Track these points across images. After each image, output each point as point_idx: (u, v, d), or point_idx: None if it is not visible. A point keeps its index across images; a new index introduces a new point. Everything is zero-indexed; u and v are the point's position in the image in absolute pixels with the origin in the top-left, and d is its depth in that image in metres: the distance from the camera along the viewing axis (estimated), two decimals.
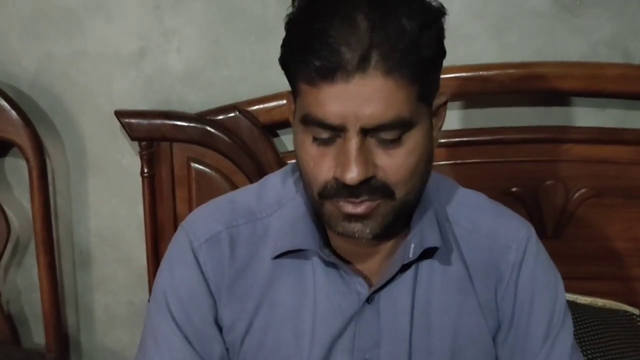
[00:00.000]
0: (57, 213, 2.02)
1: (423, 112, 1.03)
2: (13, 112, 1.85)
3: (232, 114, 1.83)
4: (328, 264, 1.13)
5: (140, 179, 1.89)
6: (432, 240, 1.14)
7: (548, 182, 1.84)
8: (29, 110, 1.90)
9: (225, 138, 1.82)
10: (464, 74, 1.76)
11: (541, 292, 1.19)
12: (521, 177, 1.84)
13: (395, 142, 1.00)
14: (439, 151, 1.77)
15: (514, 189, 1.85)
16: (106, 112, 1.89)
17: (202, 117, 1.84)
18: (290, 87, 1.07)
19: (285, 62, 1.04)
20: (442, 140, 1.82)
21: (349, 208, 1.03)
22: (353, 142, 0.99)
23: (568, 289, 1.72)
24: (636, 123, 1.85)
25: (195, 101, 1.89)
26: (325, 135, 1.01)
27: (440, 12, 1.02)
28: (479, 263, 1.19)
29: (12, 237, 2.02)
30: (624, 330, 1.72)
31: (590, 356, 1.60)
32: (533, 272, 1.19)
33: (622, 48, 1.80)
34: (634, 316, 1.77)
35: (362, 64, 0.95)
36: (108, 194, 1.99)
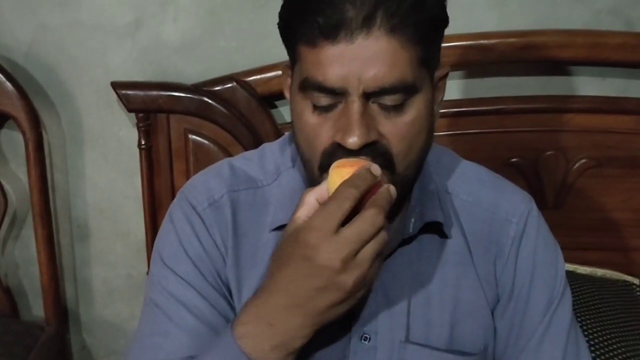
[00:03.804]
0: (54, 186, 2.01)
1: (425, 79, 1.01)
2: (8, 84, 1.83)
3: (229, 85, 1.81)
4: None
5: (137, 151, 1.87)
6: (433, 214, 1.13)
7: (548, 153, 1.83)
8: (24, 83, 1.88)
9: (223, 109, 1.80)
10: (464, 43, 1.75)
11: (541, 267, 1.18)
12: (521, 148, 1.83)
13: (398, 108, 0.99)
14: (438, 121, 1.77)
15: (514, 160, 1.84)
16: (102, 84, 1.88)
17: (199, 88, 1.83)
18: (289, 55, 1.04)
19: (285, 23, 1.02)
20: (442, 111, 1.77)
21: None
22: (355, 106, 0.97)
23: (568, 260, 1.72)
24: (637, 92, 1.84)
25: (192, 72, 1.87)
26: (325, 101, 0.99)
27: None
28: (479, 236, 1.18)
29: (10, 211, 2.01)
30: (624, 299, 1.73)
31: (589, 326, 1.60)
32: (534, 246, 1.18)
33: (624, 16, 1.79)
34: (634, 286, 1.77)
35: (367, 23, 0.94)
36: (105, 166, 1.98)
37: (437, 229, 1.15)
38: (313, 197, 0.98)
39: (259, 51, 1.84)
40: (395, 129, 1.00)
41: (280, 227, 1.13)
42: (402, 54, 0.96)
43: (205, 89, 1.83)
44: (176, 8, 1.84)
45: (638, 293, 1.77)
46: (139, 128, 1.86)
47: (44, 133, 1.92)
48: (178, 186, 1.89)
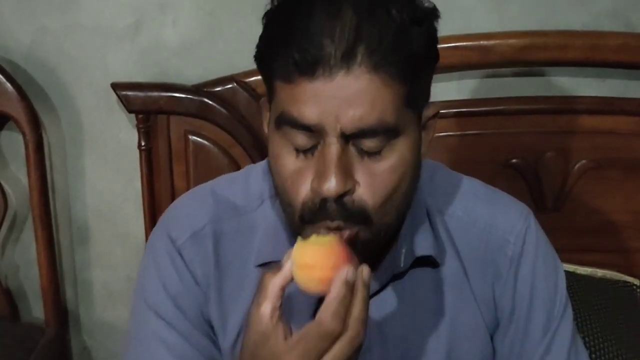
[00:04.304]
0: (54, 188, 2.01)
1: (410, 120, 0.95)
2: (8, 85, 1.83)
3: (229, 86, 1.81)
4: None
5: (137, 152, 1.87)
6: (425, 245, 1.08)
7: (548, 154, 1.83)
8: (24, 84, 1.88)
9: (223, 110, 1.80)
10: (464, 44, 1.74)
11: (541, 285, 1.14)
12: (521, 149, 1.83)
13: (377, 154, 0.93)
14: (439, 122, 1.76)
15: (513, 161, 1.83)
16: (102, 86, 1.87)
17: (199, 89, 1.83)
18: (267, 89, 0.98)
19: (262, 57, 0.95)
20: (441, 112, 1.78)
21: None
22: (333, 149, 0.90)
23: (567, 262, 1.74)
24: (637, 93, 1.84)
25: (192, 74, 1.87)
26: (302, 140, 0.93)
27: (434, 13, 0.95)
28: (475, 258, 1.13)
29: (10, 213, 2.01)
30: (624, 300, 1.72)
31: (589, 326, 1.60)
32: (532, 266, 1.13)
33: (624, 18, 1.79)
34: (634, 286, 1.77)
35: (347, 59, 0.87)
36: (105, 168, 1.98)
37: (429, 261, 1.10)
38: (278, 285, 0.90)
39: None
40: (372, 178, 0.94)
41: (265, 264, 1.08)
42: (384, 93, 0.89)
43: (205, 90, 1.83)
44: (176, 10, 1.84)
45: (638, 294, 1.76)
46: (139, 129, 1.85)
47: (44, 134, 1.92)
48: (178, 187, 1.89)
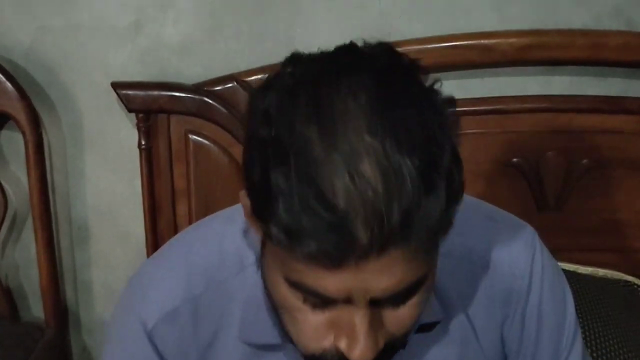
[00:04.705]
0: (54, 187, 2.01)
1: (435, 255, 0.85)
2: (8, 85, 1.83)
3: (230, 85, 1.81)
4: None
5: (137, 152, 1.87)
6: (432, 313, 0.97)
7: (549, 153, 1.82)
8: (24, 83, 1.87)
9: (223, 110, 1.80)
10: (464, 43, 1.74)
11: (549, 317, 1.06)
12: (522, 148, 1.82)
13: (406, 301, 0.83)
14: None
15: (514, 160, 1.83)
16: (102, 85, 1.87)
17: (199, 88, 1.83)
18: (262, 233, 0.82)
19: (264, 223, 0.77)
20: None
21: None
22: (362, 314, 0.80)
23: (569, 261, 1.74)
24: (639, 92, 1.83)
25: (192, 74, 1.86)
26: (322, 303, 0.81)
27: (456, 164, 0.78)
28: (482, 307, 1.04)
29: (10, 212, 2.00)
30: (625, 300, 1.72)
31: (590, 326, 1.60)
32: (539, 297, 1.04)
33: (626, 18, 1.78)
34: (635, 286, 1.77)
35: (380, 246, 0.73)
36: (105, 168, 1.98)
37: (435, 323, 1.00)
38: None
39: (259, 52, 1.84)
40: (400, 318, 0.84)
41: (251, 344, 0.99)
42: (417, 258, 0.78)
43: (205, 89, 1.82)
44: (176, 10, 1.83)
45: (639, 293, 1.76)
46: (139, 129, 1.85)
47: (44, 134, 1.92)
48: (178, 187, 1.89)
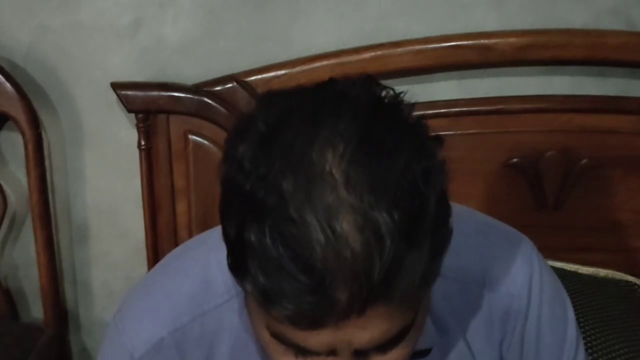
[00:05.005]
0: (54, 187, 2.00)
1: (426, 298, 0.82)
2: (8, 85, 1.82)
3: (229, 85, 1.81)
4: None
5: (137, 152, 1.87)
6: (426, 339, 0.92)
7: (549, 153, 1.82)
8: (23, 83, 1.87)
9: (223, 110, 1.80)
10: (463, 43, 1.74)
11: (548, 335, 1.02)
12: (522, 148, 1.82)
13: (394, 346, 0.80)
14: (438, 121, 1.77)
15: (514, 160, 1.82)
16: (102, 85, 1.87)
17: (199, 89, 1.82)
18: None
19: (239, 279, 0.75)
20: (441, 111, 1.80)
21: None
22: None
23: (568, 261, 1.74)
24: (638, 92, 1.83)
25: (192, 73, 1.86)
26: (303, 354, 0.78)
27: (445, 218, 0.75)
28: (478, 323, 1.00)
29: (9, 212, 2.00)
30: (626, 300, 1.72)
31: (591, 326, 1.59)
32: (538, 314, 1.00)
33: (625, 16, 1.78)
34: (636, 286, 1.76)
35: (361, 306, 0.71)
36: (104, 167, 1.98)
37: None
38: None
39: (259, 52, 1.84)
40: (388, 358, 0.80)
41: None
42: (403, 310, 0.75)
43: (205, 89, 1.82)
44: (176, 9, 1.83)
45: None
46: (138, 129, 1.85)
47: (43, 134, 1.91)
48: (177, 187, 1.89)
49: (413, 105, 0.77)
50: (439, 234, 0.73)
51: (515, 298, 0.98)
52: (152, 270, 1.05)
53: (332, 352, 0.76)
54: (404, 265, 0.70)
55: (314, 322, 0.71)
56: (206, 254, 0.97)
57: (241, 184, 0.71)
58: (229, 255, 0.75)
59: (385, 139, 0.71)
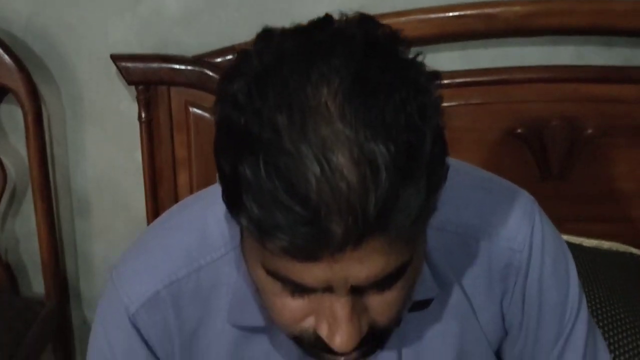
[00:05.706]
0: (54, 160, 2.00)
1: (422, 234, 0.82)
2: (7, 57, 1.81)
3: (230, 56, 1.80)
4: None
5: (137, 124, 1.86)
6: (426, 290, 0.93)
7: (553, 123, 1.81)
8: (23, 56, 1.86)
9: None
10: (467, 12, 1.72)
11: (550, 291, 1.01)
12: (526, 118, 1.81)
13: (390, 285, 0.79)
14: (443, 92, 1.75)
15: (518, 130, 1.81)
16: (102, 57, 1.85)
17: (199, 60, 1.81)
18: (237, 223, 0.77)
19: (235, 214, 0.74)
20: (445, 81, 1.78)
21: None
22: (343, 302, 0.77)
23: (573, 232, 1.73)
24: None
25: (193, 45, 1.85)
26: (300, 291, 0.78)
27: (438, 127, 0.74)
28: (479, 281, 1.00)
29: (9, 185, 1.99)
30: (630, 272, 1.72)
31: (595, 299, 1.59)
32: (540, 270, 1.00)
33: None
34: None
35: (357, 239, 0.70)
36: (105, 140, 1.97)
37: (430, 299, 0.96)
38: None
39: (260, 23, 1.80)
40: (384, 301, 0.80)
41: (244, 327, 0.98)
42: (399, 246, 0.74)
43: (206, 60, 1.81)
44: None
45: None
46: (139, 101, 1.84)
47: (43, 106, 1.91)
48: (179, 159, 1.88)
49: (410, 43, 0.76)
50: (435, 170, 0.73)
51: (516, 253, 0.98)
52: (149, 227, 1.05)
53: (329, 288, 0.75)
54: (400, 198, 0.69)
55: (309, 255, 0.71)
56: (204, 210, 0.97)
57: (235, 119, 0.71)
58: (224, 192, 0.75)
59: (380, 76, 0.71)
